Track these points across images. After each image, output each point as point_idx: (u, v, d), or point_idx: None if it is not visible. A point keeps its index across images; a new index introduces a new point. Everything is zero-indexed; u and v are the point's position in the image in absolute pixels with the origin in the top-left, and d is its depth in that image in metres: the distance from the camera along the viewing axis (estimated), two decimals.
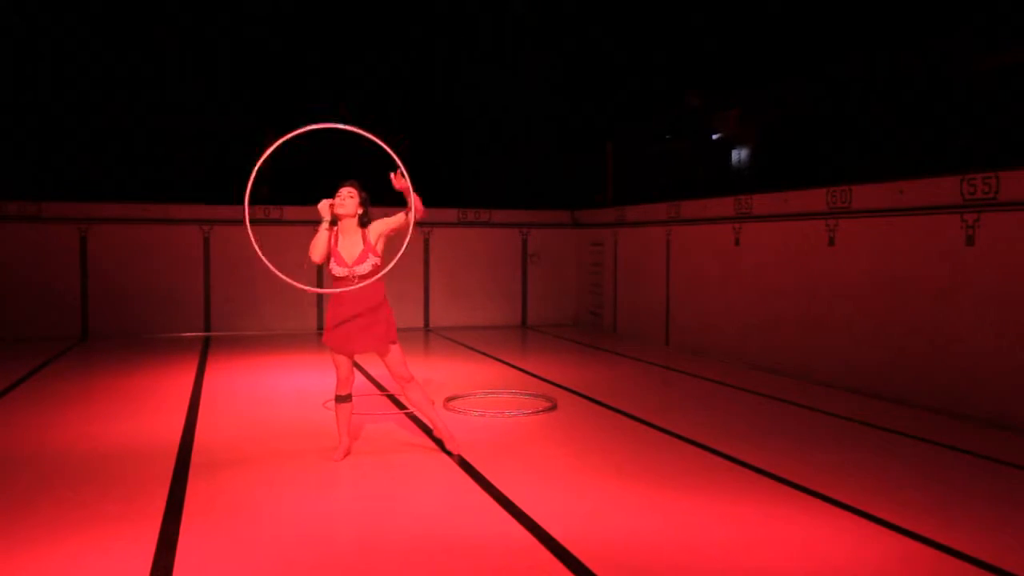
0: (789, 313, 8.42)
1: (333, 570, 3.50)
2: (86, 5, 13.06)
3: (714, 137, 10.91)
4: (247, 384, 7.99)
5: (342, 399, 5.16)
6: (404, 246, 4.86)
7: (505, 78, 14.55)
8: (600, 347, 10.81)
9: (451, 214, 12.86)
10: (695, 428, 5.98)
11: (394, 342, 5.14)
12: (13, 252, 11.24)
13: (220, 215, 12.03)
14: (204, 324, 11.97)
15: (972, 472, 5.06)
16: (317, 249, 5.00)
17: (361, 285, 4.93)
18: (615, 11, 13.43)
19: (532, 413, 6.56)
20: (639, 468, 5.03)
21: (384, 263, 5.03)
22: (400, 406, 6.66)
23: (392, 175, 4.86)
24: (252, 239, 4.74)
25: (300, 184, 9.88)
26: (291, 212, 11.98)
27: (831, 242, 7.85)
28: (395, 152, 4.76)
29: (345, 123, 4.91)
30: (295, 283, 4.79)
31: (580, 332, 12.47)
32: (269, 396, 7.34)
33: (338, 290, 4.97)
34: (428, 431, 5.81)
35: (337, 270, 5.02)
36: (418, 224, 4.94)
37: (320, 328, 11.78)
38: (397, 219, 5.04)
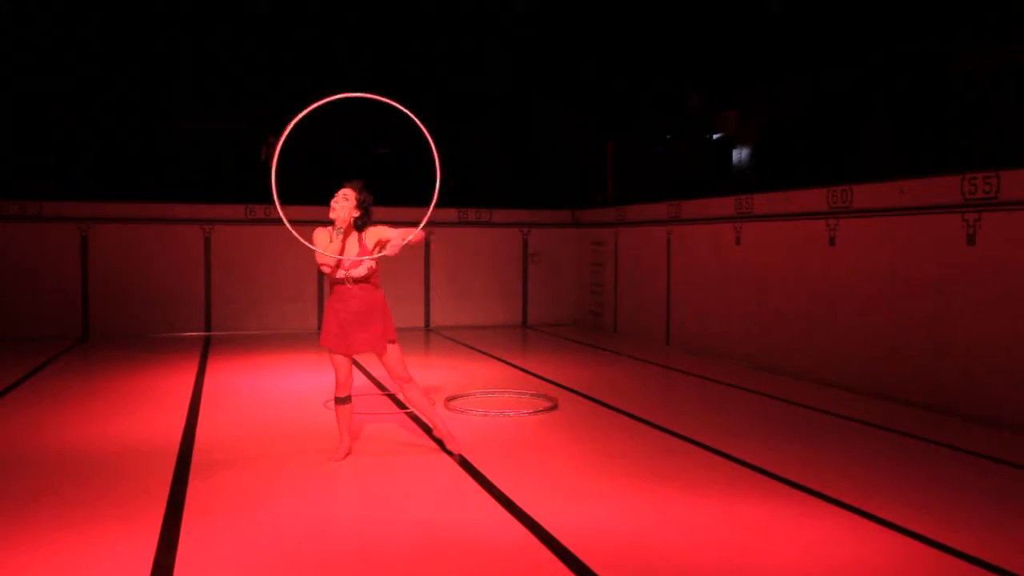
0: (790, 312, 8.42)
1: (333, 570, 3.50)
2: (86, 5, 13.06)
3: (714, 137, 10.91)
4: (247, 384, 7.99)
5: (342, 401, 5.15)
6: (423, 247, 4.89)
7: (506, 78, 14.54)
8: (600, 347, 10.81)
9: (451, 213, 12.86)
10: (695, 428, 5.98)
11: (393, 342, 5.13)
12: (14, 252, 11.24)
13: (220, 215, 12.03)
14: (204, 324, 11.97)
15: (972, 472, 5.05)
16: (323, 253, 4.96)
17: (354, 284, 4.94)
18: (615, 11, 13.42)
19: (532, 413, 6.56)
20: (639, 467, 5.03)
21: (379, 267, 5.04)
22: (400, 406, 6.66)
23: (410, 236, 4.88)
24: (280, 213, 4.76)
25: (301, 183, 9.87)
26: (290, 212, 11.95)
27: (832, 242, 7.85)
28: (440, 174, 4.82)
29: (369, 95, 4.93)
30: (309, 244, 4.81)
31: (580, 332, 12.46)
32: (269, 396, 7.34)
33: (338, 282, 4.94)
34: (428, 431, 5.81)
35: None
36: (417, 224, 4.94)
37: (320, 327, 11.78)
38: (395, 234, 4.97)
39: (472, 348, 10.56)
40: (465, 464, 5.06)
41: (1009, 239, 6.12)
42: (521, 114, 14.56)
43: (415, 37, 14.33)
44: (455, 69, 14.52)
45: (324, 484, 4.72)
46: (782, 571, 3.50)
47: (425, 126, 4.89)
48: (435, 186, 4.90)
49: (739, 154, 10.35)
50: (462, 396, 7.12)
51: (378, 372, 8.05)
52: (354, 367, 5.32)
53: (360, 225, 5.07)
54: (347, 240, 5.06)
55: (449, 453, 5.27)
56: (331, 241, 4.98)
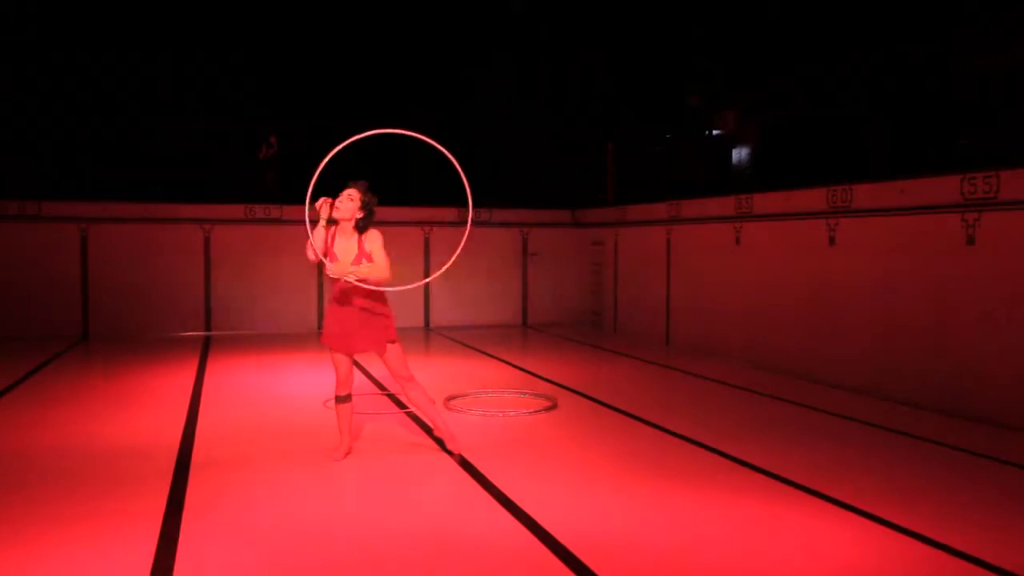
0: (789, 312, 8.42)
1: (333, 569, 3.50)
2: (87, 6, 13.06)
3: (714, 136, 10.91)
4: (247, 384, 7.99)
5: (342, 399, 5.15)
6: (455, 256, 4.89)
7: (506, 78, 14.55)
8: (600, 346, 10.81)
9: (451, 213, 12.86)
10: (695, 428, 5.98)
11: (393, 342, 5.12)
12: (14, 252, 11.24)
13: (220, 215, 12.03)
14: (204, 324, 11.97)
15: (972, 472, 5.05)
16: (317, 247, 4.94)
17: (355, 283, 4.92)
18: (616, 11, 13.43)
19: (532, 412, 6.56)
20: (639, 467, 5.03)
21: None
22: (401, 406, 6.66)
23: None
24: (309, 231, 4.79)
25: (303, 182, 9.88)
26: (290, 211, 11.97)
27: (832, 241, 7.85)
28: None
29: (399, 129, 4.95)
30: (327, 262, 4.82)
31: (580, 331, 12.46)
32: (269, 396, 7.34)
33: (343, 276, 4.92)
34: (429, 430, 5.81)
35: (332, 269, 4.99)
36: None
37: (320, 327, 11.77)
38: (378, 256, 4.93)
39: (472, 348, 10.56)
40: (465, 464, 5.06)
41: (1009, 239, 6.12)
42: (521, 113, 14.55)
43: (418, 33, 14.33)
44: (455, 70, 14.53)
45: (324, 484, 4.72)
46: (782, 571, 3.50)
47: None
48: (466, 219, 4.90)
49: (739, 154, 10.35)
50: (462, 396, 7.12)
51: (378, 371, 8.05)
52: (355, 366, 5.31)
53: (362, 227, 5.00)
54: (347, 241, 5.00)
55: (449, 453, 5.27)
56: (332, 239, 4.96)
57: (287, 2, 14.13)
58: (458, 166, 4.94)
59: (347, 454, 5.20)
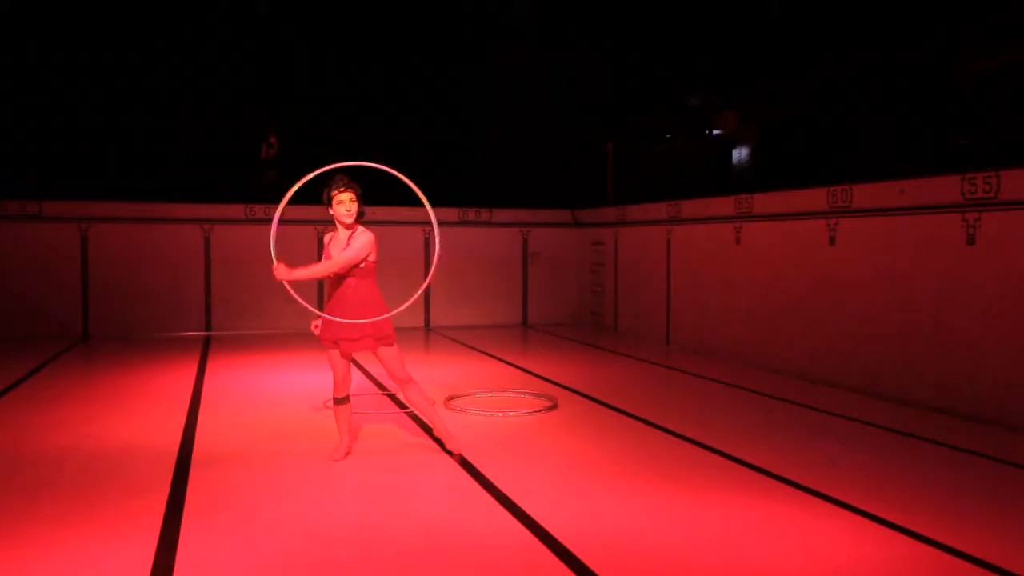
0: (789, 312, 8.42)
1: (333, 569, 3.50)
2: (87, 5, 13.06)
3: (714, 136, 10.91)
4: (247, 384, 7.99)
5: (340, 401, 5.15)
6: (432, 269, 4.92)
7: (506, 77, 14.55)
8: (600, 346, 10.81)
9: (451, 213, 12.86)
10: (695, 427, 5.98)
11: (390, 343, 5.12)
12: (14, 251, 11.25)
13: (220, 215, 12.03)
14: (204, 324, 11.97)
15: (972, 472, 5.06)
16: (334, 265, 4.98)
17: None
18: (616, 11, 13.43)
19: (532, 412, 6.56)
20: (639, 467, 5.03)
21: (369, 265, 5.03)
22: (400, 406, 6.66)
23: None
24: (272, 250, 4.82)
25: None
26: (290, 212, 11.96)
27: (832, 241, 7.85)
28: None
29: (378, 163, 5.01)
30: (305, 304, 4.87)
31: (581, 331, 12.46)
32: (269, 396, 7.34)
33: (336, 319, 4.95)
34: (429, 430, 5.80)
35: None
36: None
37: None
38: (348, 252, 4.98)
39: (472, 348, 10.56)
40: (465, 464, 5.06)
41: (1009, 239, 6.12)
42: (522, 113, 14.55)
43: (416, 40, 14.33)
44: (455, 70, 14.52)
45: (324, 484, 4.72)
46: (782, 571, 3.50)
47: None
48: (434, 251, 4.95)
49: (739, 153, 10.35)
50: (462, 396, 7.11)
51: (378, 371, 8.04)
52: (353, 367, 5.31)
53: (362, 215, 5.07)
54: (340, 239, 5.06)
55: (449, 453, 5.27)
56: (325, 253, 5.03)
57: (287, 2, 14.13)
58: (416, 188, 5.01)
59: (347, 454, 5.20)
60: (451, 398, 6.96)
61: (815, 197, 8.02)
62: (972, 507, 4.31)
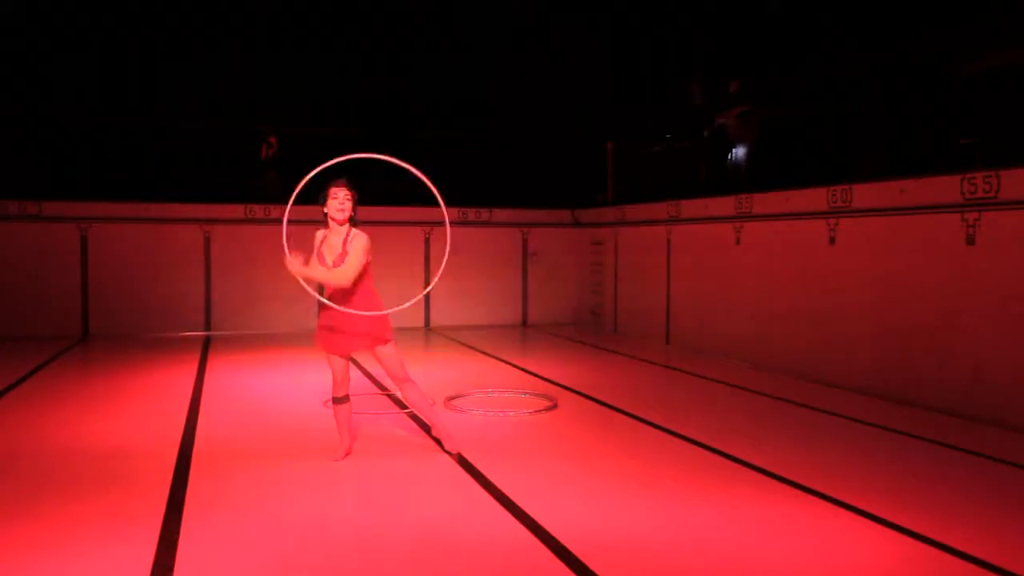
0: (789, 312, 8.42)
1: (333, 569, 3.50)
2: (87, 6, 13.06)
3: (714, 136, 10.90)
4: (247, 384, 7.99)
5: (339, 400, 5.15)
6: (442, 266, 4.94)
7: (506, 77, 14.54)
8: (600, 346, 10.81)
9: (451, 213, 12.81)
10: (695, 428, 5.98)
11: (388, 342, 5.11)
12: (14, 251, 11.25)
13: (220, 215, 12.03)
14: (204, 324, 11.97)
15: (972, 472, 5.06)
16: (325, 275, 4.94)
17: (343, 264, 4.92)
18: (616, 9, 13.42)
19: (532, 412, 6.56)
20: (639, 467, 5.03)
21: (370, 266, 5.02)
22: (400, 406, 6.66)
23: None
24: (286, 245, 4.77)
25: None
26: (290, 212, 11.96)
27: (832, 241, 7.85)
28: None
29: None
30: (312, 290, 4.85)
31: (580, 331, 12.46)
32: (269, 396, 7.34)
33: (338, 307, 4.91)
34: (428, 430, 5.80)
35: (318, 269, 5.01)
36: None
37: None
38: (352, 258, 4.93)
39: (472, 348, 10.56)
40: (464, 463, 5.06)
41: (1009, 239, 6.12)
42: (521, 114, 14.54)
43: (413, 38, 14.33)
44: (455, 70, 14.52)
45: (324, 484, 4.72)
46: (783, 571, 3.50)
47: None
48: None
49: (739, 153, 10.35)
50: (462, 396, 7.11)
51: (377, 371, 8.04)
52: (352, 366, 5.31)
53: (354, 221, 5.04)
54: (335, 240, 5.00)
55: (448, 452, 5.27)
56: (316, 253, 4.97)
57: (287, 1, 14.13)
58: (429, 182, 4.99)
59: (347, 454, 5.20)
60: (451, 398, 6.96)
61: (815, 197, 8.02)
62: (972, 507, 4.31)
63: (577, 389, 7.54)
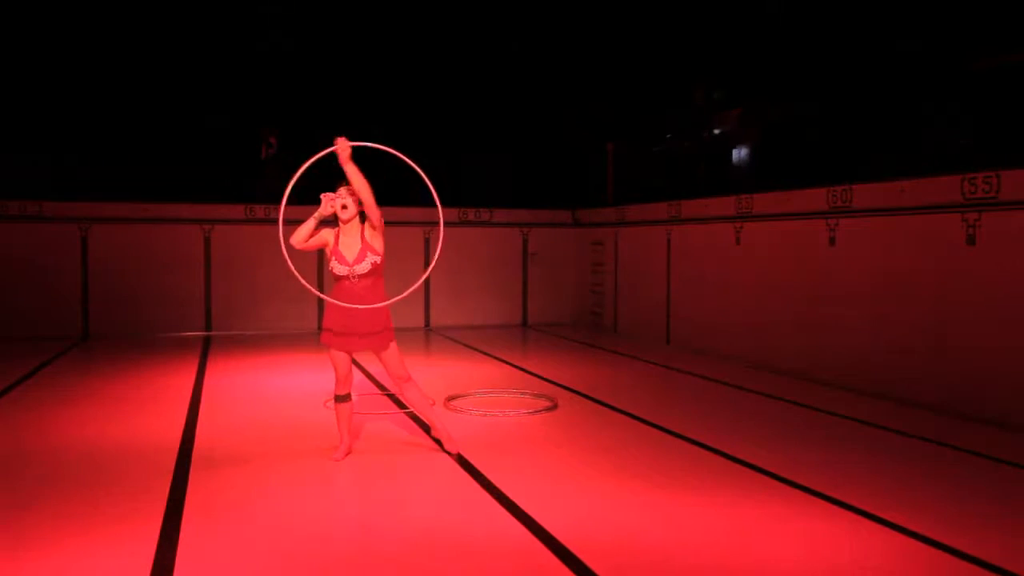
0: (789, 312, 8.42)
1: (333, 569, 3.50)
2: (87, 5, 13.06)
3: (714, 136, 10.90)
4: (247, 384, 7.99)
5: (341, 399, 5.15)
6: (436, 256, 4.92)
7: (506, 78, 14.54)
8: (600, 346, 10.81)
9: (451, 213, 12.85)
10: (695, 428, 5.98)
11: (392, 341, 5.13)
12: (14, 252, 11.24)
13: (221, 215, 12.03)
14: (204, 324, 11.97)
15: (972, 472, 5.06)
16: (300, 234, 5.02)
17: (358, 277, 4.96)
18: (616, 10, 13.42)
19: (532, 412, 6.56)
20: (639, 468, 5.03)
21: (384, 261, 5.08)
22: (400, 406, 6.66)
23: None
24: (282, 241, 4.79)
25: (303, 183, 9.88)
26: (291, 212, 11.96)
27: (832, 242, 7.85)
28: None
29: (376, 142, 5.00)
30: (309, 286, 4.87)
31: (580, 331, 12.46)
32: (269, 396, 7.34)
33: (342, 304, 4.95)
34: (428, 430, 5.80)
35: (338, 268, 5.03)
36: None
37: (320, 327, 11.79)
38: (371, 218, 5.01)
39: (472, 348, 10.56)
40: (464, 463, 5.07)
41: (1009, 239, 6.12)
42: (521, 114, 14.54)
43: (415, 37, 14.32)
44: (455, 71, 14.51)
45: (324, 484, 4.72)
46: (782, 571, 3.50)
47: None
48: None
49: (739, 153, 10.35)
50: (462, 396, 7.11)
51: (377, 371, 8.04)
52: (353, 365, 5.31)
53: (365, 218, 5.09)
54: (352, 237, 5.06)
55: (448, 453, 5.27)
56: (333, 252, 5.02)
57: (288, 2, 14.13)
58: (423, 174, 5.03)
59: (347, 454, 5.20)
60: (451, 398, 6.96)
61: (815, 197, 8.02)
62: (972, 507, 4.31)
63: (577, 389, 7.54)
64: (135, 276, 11.65)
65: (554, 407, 6.73)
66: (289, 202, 5.06)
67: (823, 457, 5.28)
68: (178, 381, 7.98)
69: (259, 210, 12.03)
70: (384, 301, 5.11)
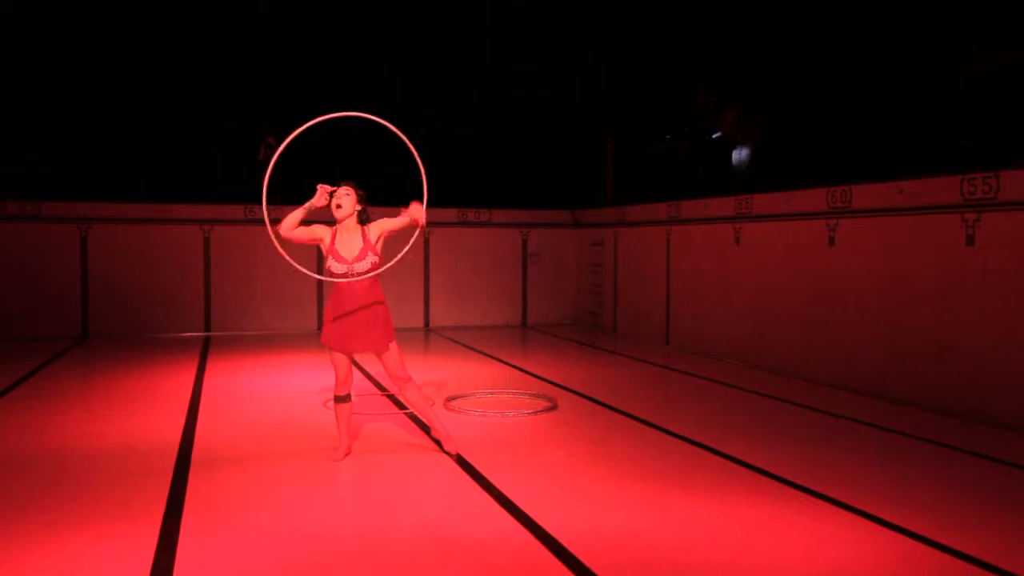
0: (789, 313, 8.42)
1: (333, 569, 3.50)
2: (87, 5, 13.06)
3: (714, 136, 10.91)
4: (247, 384, 7.99)
5: (341, 399, 5.15)
6: (407, 248, 4.89)
7: (506, 78, 14.54)
8: (600, 347, 10.81)
9: (451, 214, 12.85)
10: (695, 428, 5.98)
11: (392, 341, 5.13)
12: (13, 252, 11.24)
13: (220, 215, 12.03)
14: (204, 324, 11.97)
15: (972, 472, 5.06)
16: (290, 220, 5.03)
17: (358, 278, 4.96)
18: (616, 11, 13.42)
19: (532, 413, 6.56)
20: (639, 468, 5.03)
21: (383, 262, 5.06)
22: (400, 406, 6.66)
23: (413, 204, 4.85)
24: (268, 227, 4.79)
25: (297, 182, 9.89)
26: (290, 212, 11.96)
27: (831, 242, 7.85)
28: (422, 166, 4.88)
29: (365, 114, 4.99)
30: (303, 269, 4.87)
31: (580, 332, 12.46)
32: (269, 396, 7.34)
33: (342, 280, 4.96)
34: (427, 431, 5.80)
35: (336, 267, 5.02)
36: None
37: (319, 328, 11.78)
38: (399, 222, 5.01)
39: (472, 348, 10.56)
40: (464, 464, 5.06)
41: (1009, 239, 6.12)
42: (521, 114, 14.54)
43: (416, 38, 14.32)
44: (455, 70, 14.51)
45: (324, 484, 4.72)
46: (782, 571, 3.50)
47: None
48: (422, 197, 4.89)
49: (739, 154, 10.35)
50: (462, 396, 7.11)
51: (377, 371, 8.04)
52: (353, 366, 5.31)
53: (364, 219, 5.08)
54: (351, 236, 5.05)
55: (447, 453, 5.27)
56: (330, 250, 5.01)
57: (289, 2, 14.13)
58: (414, 150, 5.00)
59: (347, 454, 5.20)
60: (451, 399, 6.96)
61: (815, 197, 8.02)
62: (972, 507, 4.31)
63: (577, 390, 7.54)
64: (134, 276, 11.65)
65: (554, 407, 6.73)
66: (284, 202, 5.06)
67: (823, 457, 5.28)
68: (177, 381, 7.98)
69: (259, 210, 12.01)
70: (383, 304, 5.10)
